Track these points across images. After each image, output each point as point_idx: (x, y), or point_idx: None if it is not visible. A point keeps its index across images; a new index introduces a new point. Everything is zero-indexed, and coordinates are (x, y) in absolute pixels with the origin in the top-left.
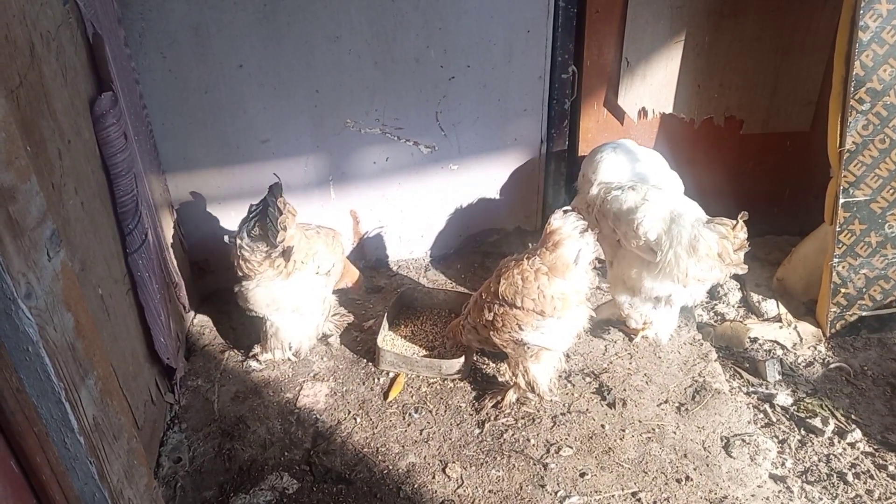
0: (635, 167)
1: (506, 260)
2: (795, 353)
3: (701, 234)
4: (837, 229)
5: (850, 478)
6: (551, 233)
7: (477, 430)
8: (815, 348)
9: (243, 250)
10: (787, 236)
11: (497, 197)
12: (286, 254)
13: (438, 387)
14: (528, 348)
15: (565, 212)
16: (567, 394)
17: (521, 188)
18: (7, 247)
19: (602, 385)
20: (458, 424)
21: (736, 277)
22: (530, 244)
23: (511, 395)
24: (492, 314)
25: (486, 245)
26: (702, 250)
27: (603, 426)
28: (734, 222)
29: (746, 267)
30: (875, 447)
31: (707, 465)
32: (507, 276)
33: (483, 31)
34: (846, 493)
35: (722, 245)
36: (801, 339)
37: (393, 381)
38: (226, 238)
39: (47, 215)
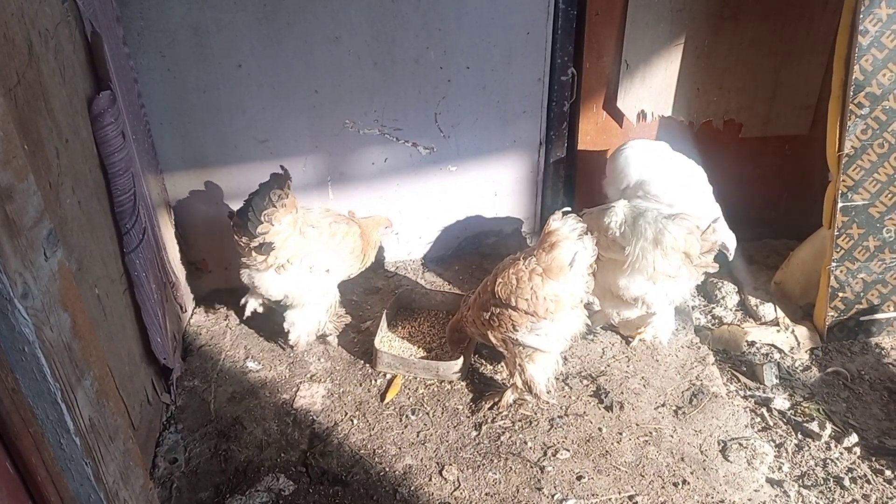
0: (662, 173)
1: (506, 259)
2: (793, 357)
3: (665, 227)
4: (836, 233)
5: (846, 482)
6: (549, 234)
7: (474, 433)
8: (813, 352)
9: (234, 233)
10: (784, 240)
11: (496, 198)
12: (263, 248)
13: (436, 388)
14: (523, 348)
15: (565, 213)
16: (564, 396)
17: (519, 190)
18: (4, 246)
19: (599, 388)
20: (455, 426)
21: (734, 280)
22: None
23: (509, 397)
24: (488, 313)
25: (485, 247)
26: (667, 242)
27: (600, 429)
28: (704, 224)
29: (717, 266)
30: (872, 451)
31: (704, 469)
32: (503, 275)
33: (483, 32)
34: (843, 497)
35: (687, 242)
36: (798, 343)
37: (390, 382)
38: (228, 214)
39: (44, 214)
